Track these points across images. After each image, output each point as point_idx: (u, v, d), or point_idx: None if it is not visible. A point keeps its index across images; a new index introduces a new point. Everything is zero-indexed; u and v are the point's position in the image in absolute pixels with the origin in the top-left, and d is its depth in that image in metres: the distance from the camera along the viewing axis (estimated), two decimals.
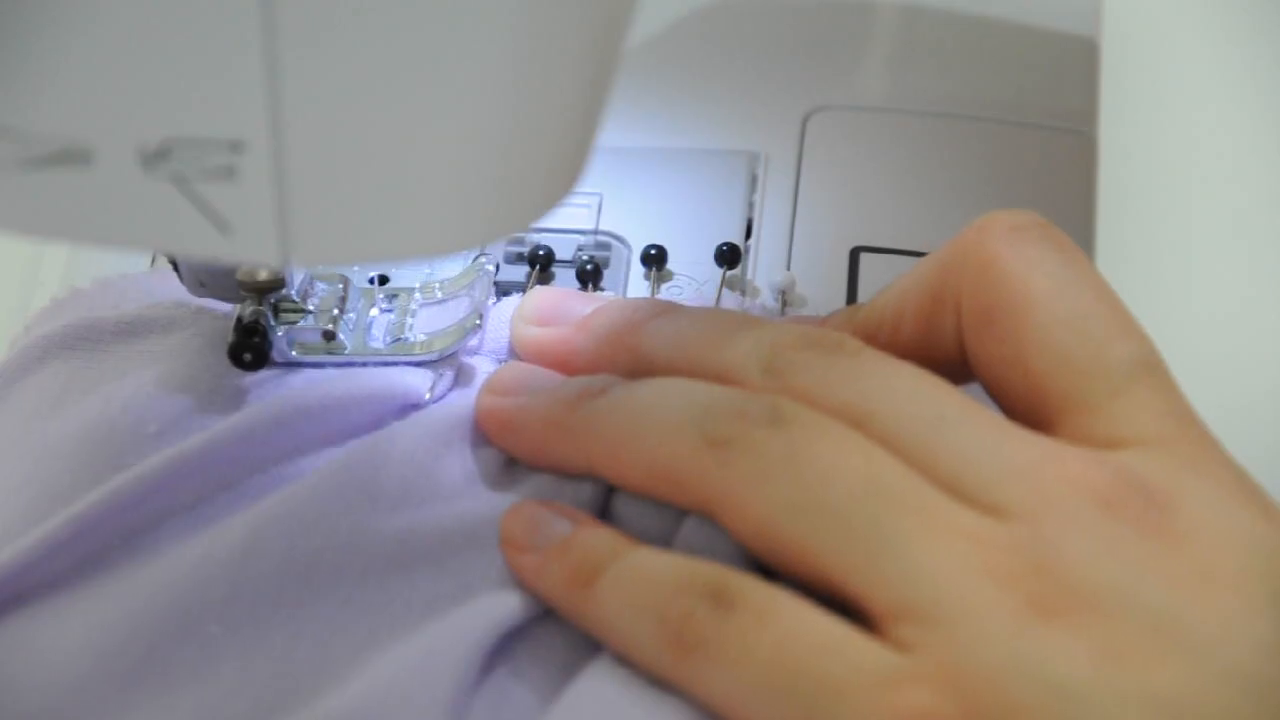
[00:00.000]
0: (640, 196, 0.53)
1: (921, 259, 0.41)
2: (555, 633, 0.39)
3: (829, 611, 0.35)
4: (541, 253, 0.51)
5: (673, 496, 0.39)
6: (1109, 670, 0.33)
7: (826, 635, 0.35)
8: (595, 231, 0.53)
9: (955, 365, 0.40)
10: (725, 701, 0.35)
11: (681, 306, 0.44)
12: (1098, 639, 0.34)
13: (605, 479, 0.41)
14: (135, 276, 0.48)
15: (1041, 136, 0.55)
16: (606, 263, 0.51)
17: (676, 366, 0.41)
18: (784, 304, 0.50)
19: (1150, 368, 0.38)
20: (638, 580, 0.37)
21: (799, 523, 0.36)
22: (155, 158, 0.32)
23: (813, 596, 0.36)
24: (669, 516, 0.40)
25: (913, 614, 0.34)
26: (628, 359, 0.43)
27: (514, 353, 0.46)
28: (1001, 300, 0.39)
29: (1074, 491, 0.35)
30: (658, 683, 0.37)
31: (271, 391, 0.44)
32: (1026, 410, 0.38)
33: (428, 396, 0.44)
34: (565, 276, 0.51)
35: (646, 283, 0.51)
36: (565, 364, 0.44)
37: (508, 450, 0.43)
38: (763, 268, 0.52)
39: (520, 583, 0.40)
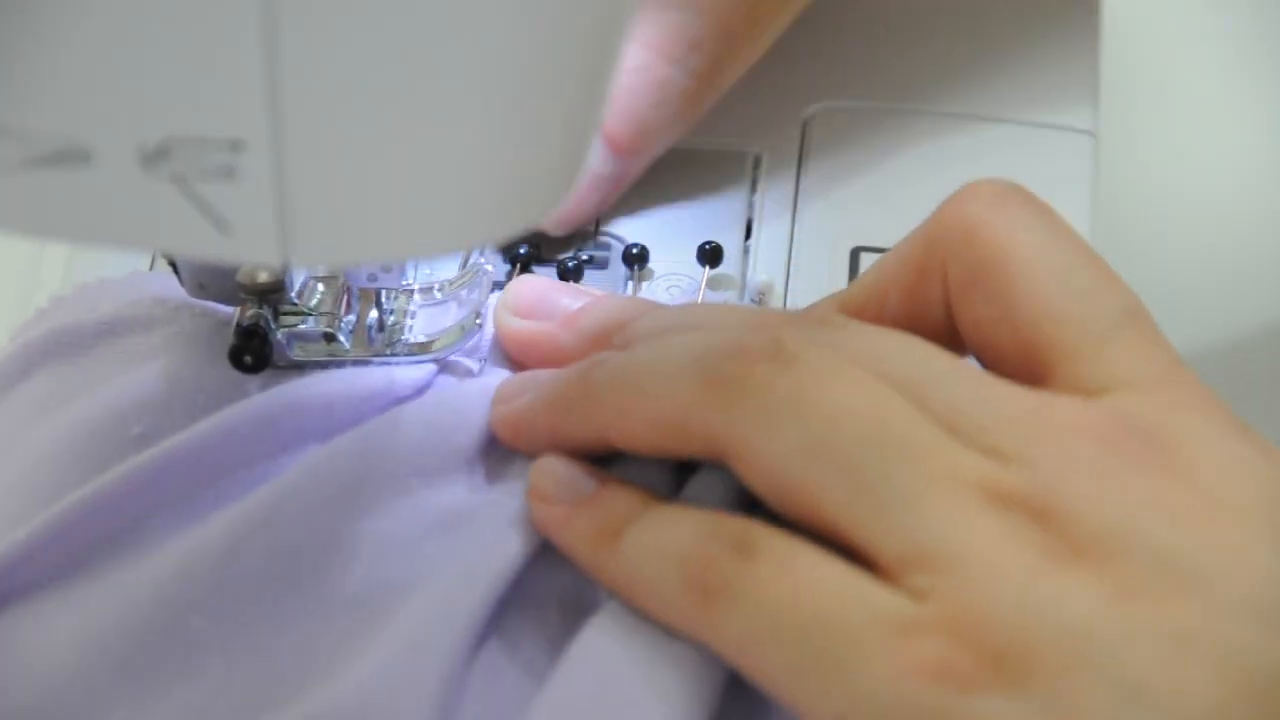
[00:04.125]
0: (640, 196, 0.53)
1: (903, 238, 0.41)
2: (540, 625, 0.40)
3: (850, 562, 0.36)
4: (523, 251, 0.50)
5: (682, 448, 0.39)
6: (1121, 608, 0.33)
7: (845, 583, 0.35)
8: (595, 231, 0.53)
9: (943, 337, 0.40)
10: (744, 647, 0.36)
11: (668, 305, 0.44)
12: (1108, 578, 0.34)
13: (617, 445, 0.41)
14: (113, 279, 0.48)
15: (1041, 136, 0.55)
16: (606, 263, 0.51)
17: None
18: (761, 305, 0.50)
19: (1136, 315, 0.38)
20: (663, 532, 0.38)
21: (807, 469, 0.36)
22: (155, 158, 0.32)
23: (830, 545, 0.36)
24: (672, 489, 0.40)
25: (924, 563, 0.35)
26: None
27: (497, 344, 0.46)
28: (986, 260, 0.39)
29: (1072, 434, 0.36)
30: (657, 644, 0.37)
31: (254, 389, 0.44)
32: (1017, 369, 0.38)
33: (410, 394, 0.44)
34: (546, 275, 0.51)
35: (646, 284, 0.51)
36: (552, 361, 0.44)
37: (525, 451, 0.43)
38: (763, 268, 0.52)
39: (542, 533, 0.40)
